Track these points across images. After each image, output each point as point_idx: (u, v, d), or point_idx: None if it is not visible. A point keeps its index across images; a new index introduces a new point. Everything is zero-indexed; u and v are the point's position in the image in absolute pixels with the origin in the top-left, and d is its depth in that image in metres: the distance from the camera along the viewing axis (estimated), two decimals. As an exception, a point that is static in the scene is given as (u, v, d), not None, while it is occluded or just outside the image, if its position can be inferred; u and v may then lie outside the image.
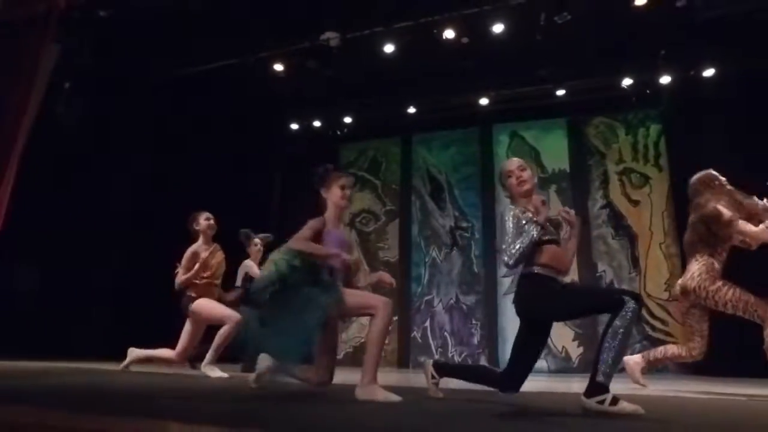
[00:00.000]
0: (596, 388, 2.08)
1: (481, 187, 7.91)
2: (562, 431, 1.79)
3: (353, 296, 2.67)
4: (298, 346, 2.49)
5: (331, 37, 6.68)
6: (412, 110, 8.00)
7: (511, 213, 2.58)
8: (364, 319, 8.34)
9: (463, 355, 7.30)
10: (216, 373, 4.14)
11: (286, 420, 1.78)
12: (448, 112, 8.01)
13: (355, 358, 7.73)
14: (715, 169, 6.51)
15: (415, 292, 7.82)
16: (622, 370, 3.58)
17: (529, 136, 7.88)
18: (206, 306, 4.28)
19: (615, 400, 2.05)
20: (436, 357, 7.41)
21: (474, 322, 7.41)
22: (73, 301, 6.11)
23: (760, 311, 3.33)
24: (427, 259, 7.93)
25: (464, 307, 7.53)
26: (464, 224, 7.89)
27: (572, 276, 7.06)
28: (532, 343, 2.54)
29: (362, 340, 7.79)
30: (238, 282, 5.01)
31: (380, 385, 2.48)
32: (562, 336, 6.93)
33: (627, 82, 7.00)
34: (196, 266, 4.34)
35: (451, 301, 7.58)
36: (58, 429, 1.50)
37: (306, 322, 2.48)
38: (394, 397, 2.41)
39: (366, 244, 8.30)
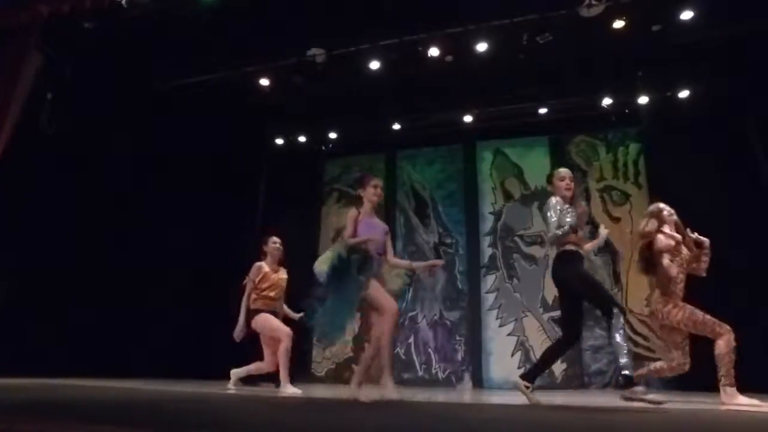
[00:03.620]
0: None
1: (464, 204, 7.95)
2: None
3: (375, 288, 3.45)
4: (340, 322, 3.34)
5: (317, 53, 6.74)
6: (396, 127, 8.06)
7: (555, 201, 3.63)
8: (347, 337, 8.23)
9: (446, 372, 7.25)
10: (291, 389, 4.48)
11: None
12: (433, 129, 8.08)
13: (337, 375, 7.63)
14: (690, 186, 6.73)
15: (399, 308, 7.76)
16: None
17: (512, 154, 7.98)
18: (260, 320, 4.76)
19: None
20: (420, 374, 7.35)
21: (458, 338, 7.38)
22: (42, 315, 5.91)
23: (708, 329, 3.84)
24: (411, 275, 7.91)
25: (448, 323, 7.51)
26: (448, 240, 7.90)
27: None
28: (571, 308, 3.56)
29: (346, 356, 7.70)
30: None
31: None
32: (546, 352, 6.94)
33: (607, 101, 7.16)
34: (257, 280, 4.90)
35: (435, 317, 7.55)
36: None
37: (346, 299, 3.31)
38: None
39: (350, 260, 8.25)
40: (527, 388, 3.50)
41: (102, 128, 6.48)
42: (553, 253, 3.76)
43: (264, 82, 7.01)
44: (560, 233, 3.46)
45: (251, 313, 4.79)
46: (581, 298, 3.57)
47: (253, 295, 4.85)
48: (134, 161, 7.04)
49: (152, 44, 6.27)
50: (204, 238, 7.62)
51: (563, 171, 3.95)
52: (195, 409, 2.64)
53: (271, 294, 4.90)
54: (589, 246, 3.90)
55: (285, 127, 8.39)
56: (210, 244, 7.58)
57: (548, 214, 3.62)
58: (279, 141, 8.52)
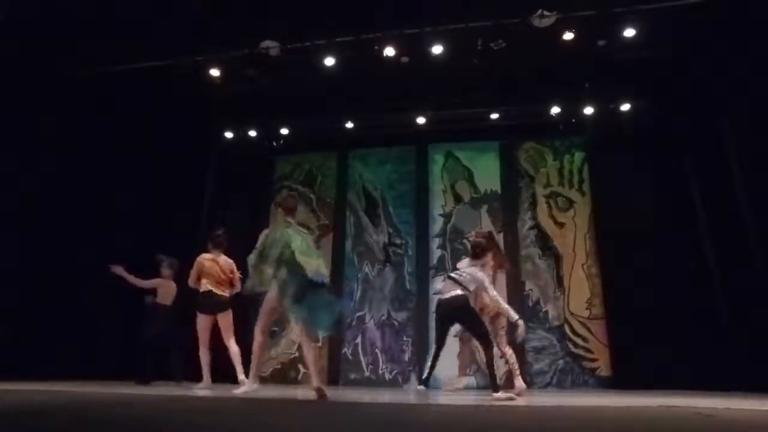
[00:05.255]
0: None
1: (415, 205, 7.99)
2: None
3: None
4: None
5: (271, 46, 6.57)
6: (349, 125, 8.00)
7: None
8: (294, 335, 8.07)
9: (393, 373, 7.25)
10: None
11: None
12: (386, 130, 8.08)
13: (283, 375, 7.48)
14: (629, 195, 7.10)
15: (347, 308, 7.70)
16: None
17: (463, 157, 8.09)
18: (197, 317, 5.24)
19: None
20: (367, 374, 7.32)
21: (405, 338, 7.40)
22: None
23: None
24: (359, 275, 7.87)
25: (396, 323, 7.51)
26: (398, 241, 7.92)
27: (501, 293, 7.25)
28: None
29: (292, 356, 7.56)
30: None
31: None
32: (490, 353, 7.06)
33: (555, 110, 7.39)
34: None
35: (383, 318, 7.54)
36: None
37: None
38: None
39: (298, 259, 8.10)
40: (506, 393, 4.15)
41: (31, 114, 6.04)
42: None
43: (215, 72, 6.76)
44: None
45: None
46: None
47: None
48: (70, 150, 6.61)
49: (93, 23, 5.92)
50: (145, 235, 7.27)
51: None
52: (121, 413, 2.48)
53: (207, 282, 5.18)
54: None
55: (235, 120, 8.14)
56: (152, 240, 7.22)
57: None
58: (228, 135, 8.26)
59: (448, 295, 4.50)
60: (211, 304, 5.14)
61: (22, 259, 5.89)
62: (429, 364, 4.83)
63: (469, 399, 4.17)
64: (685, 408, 2.84)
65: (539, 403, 3.43)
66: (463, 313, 4.44)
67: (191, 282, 5.21)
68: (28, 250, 5.97)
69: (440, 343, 4.72)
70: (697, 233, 6.66)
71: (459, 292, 4.43)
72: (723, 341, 6.07)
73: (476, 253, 4.65)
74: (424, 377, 4.88)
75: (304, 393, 4.71)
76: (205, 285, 5.14)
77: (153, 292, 5.95)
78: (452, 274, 4.68)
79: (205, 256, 5.26)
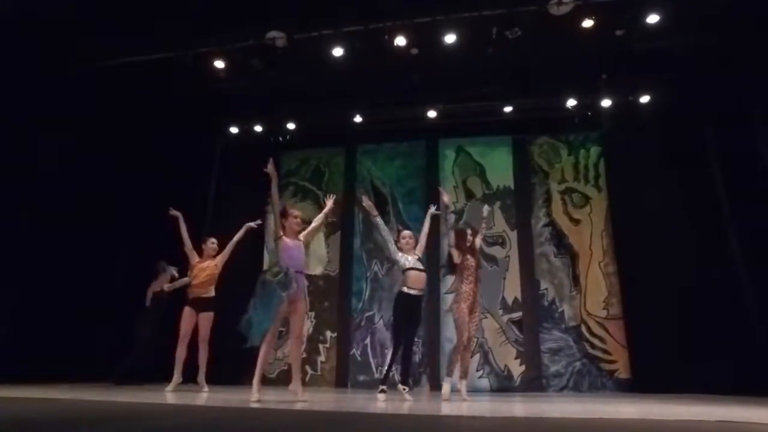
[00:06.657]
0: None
1: (425, 202, 7.67)
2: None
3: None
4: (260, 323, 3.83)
5: (277, 36, 6.35)
6: (358, 119, 7.76)
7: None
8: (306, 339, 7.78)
9: (403, 374, 7.00)
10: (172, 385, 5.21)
11: None
12: (395, 124, 7.84)
13: (290, 377, 7.24)
14: (647, 191, 6.81)
15: (355, 308, 7.48)
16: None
17: (474, 152, 7.85)
18: (183, 312, 5.48)
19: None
20: (377, 376, 7.08)
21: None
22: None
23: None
24: (368, 274, 7.64)
25: (406, 323, 7.26)
26: (408, 238, 7.67)
27: (515, 293, 7.03)
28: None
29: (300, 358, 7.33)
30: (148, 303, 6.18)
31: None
32: (505, 355, 6.83)
33: (571, 103, 7.14)
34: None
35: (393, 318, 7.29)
36: None
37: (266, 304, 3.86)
38: None
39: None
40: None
41: (32, 108, 5.85)
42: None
43: (219, 64, 6.55)
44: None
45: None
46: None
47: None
48: (71, 147, 6.40)
49: (96, 15, 5.72)
50: (148, 232, 7.07)
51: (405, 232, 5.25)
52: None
53: (195, 282, 5.48)
54: None
55: (240, 114, 7.92)
56: (154, 238, 7.02)
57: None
58: (233, 129, 8.04)
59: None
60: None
61: (21, 258, 5.70)
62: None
63: (495, 407, 3.92)
64: (760, 425, 2.48)
65: (575, 414, 3.16)
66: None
67: None
68: (27, 250, 5.79)
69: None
70: (721, 229, 6.37)
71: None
72: (750, 342, 5.80)
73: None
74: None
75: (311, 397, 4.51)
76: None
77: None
78: None
79: None
